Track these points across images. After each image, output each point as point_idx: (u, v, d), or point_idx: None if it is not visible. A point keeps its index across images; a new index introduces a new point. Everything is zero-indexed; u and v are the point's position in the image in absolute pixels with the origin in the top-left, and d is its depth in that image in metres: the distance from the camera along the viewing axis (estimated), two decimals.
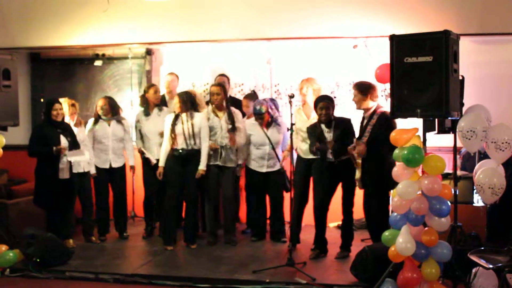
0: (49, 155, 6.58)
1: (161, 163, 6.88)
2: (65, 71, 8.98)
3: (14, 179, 8.23)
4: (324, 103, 6.28)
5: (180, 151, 6.78)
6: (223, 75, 7.83)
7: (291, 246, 6.08)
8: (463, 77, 5.26)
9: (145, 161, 7.41)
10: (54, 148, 6.56)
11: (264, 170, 7.11)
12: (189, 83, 8.44)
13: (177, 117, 6.81)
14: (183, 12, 7.81)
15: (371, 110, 6.03)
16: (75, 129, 6.99)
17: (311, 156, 6.58)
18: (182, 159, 6.81)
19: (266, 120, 7.02)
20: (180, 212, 7.34)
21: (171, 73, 7.99)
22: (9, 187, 7.62)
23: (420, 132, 5.04)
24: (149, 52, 8.61)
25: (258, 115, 7.01)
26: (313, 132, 6.38)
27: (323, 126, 6.33)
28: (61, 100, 6.93)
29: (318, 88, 6.82)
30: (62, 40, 8.26)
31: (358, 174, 6.05)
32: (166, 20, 7.88)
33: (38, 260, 6.07)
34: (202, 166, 6.82)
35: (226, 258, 6.51)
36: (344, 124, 6.38)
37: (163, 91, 7.90)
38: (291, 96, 6.06)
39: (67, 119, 7.00)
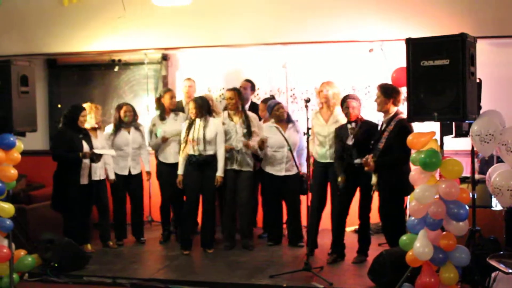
0: (75, 160, 6.67)
1: (180, 171, 6.87)
2: (82, 77, 9.06)
3: (32, 184, 8.29)
4: (349, 101, 6.27)
5: (198, 157, 6.79)
6: (248, 80, 7.88)
7: (308, 251, 6.06)
8: (480, 80, 5.22)
9: (161, 165, 7.44)
10: (81, 153, 6.67)
11: (282, 173, 7.06)
12: (204, 88, 8.48)
13: (191, 122, 6.83)
14: (199, 17, 7.86)
15: (391, 115, 5.94)
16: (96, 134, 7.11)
17: (328, 160, 6.57)
18: (199, 165, 6.81)
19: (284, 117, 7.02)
20: (197, 217, 7.35)
21: (188, 78, 8.01)
22: (28, 192, 7.68)
23: (437, 136, 5.00)
24: (165, 58, 8.65)
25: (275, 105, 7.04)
26: (339, 133, 6.35)
27: (348, 125, 6.29)
28: (86, 105, 7.09)
29: (338, 92, 6.80)
30: (79, 46, 8.36)
31: (374, 179, 6.00)
32: (181, 25, 7.95)
33: (56, 265, 6.11)
34: (219, 173, 6.83)
35: (243, 262, 6.51)
36: (369, 127, 6.28)
37: (179, 96, 7.93)
38: (307, 101, 6.03)
39: (92, 122, 7.11)
